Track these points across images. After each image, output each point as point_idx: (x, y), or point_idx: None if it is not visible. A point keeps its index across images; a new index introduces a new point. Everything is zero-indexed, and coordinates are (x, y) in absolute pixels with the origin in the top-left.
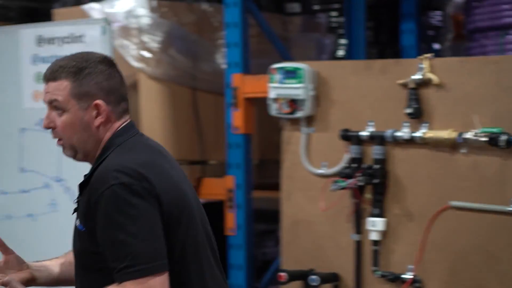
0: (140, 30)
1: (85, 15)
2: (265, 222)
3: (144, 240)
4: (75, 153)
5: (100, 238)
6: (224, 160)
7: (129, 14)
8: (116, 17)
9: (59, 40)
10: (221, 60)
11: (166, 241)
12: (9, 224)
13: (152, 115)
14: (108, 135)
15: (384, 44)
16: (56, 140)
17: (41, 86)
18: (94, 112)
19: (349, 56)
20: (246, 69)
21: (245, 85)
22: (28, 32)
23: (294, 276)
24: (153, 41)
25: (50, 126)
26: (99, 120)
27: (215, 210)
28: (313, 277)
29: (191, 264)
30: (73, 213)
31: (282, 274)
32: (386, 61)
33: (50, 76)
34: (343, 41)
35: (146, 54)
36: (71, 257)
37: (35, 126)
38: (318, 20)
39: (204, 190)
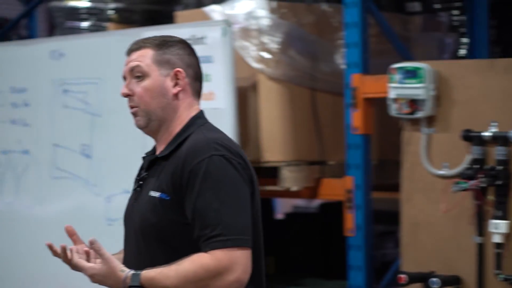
0: (260, 31)
1: (206, 17)
2: (384, 223)
3: (236, 212)
4: (149, 121)
5: (192, 204)
6: (343, 161)
7: (249, 15)
8: (236, 18)
9: None
10: (340, 60)
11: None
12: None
13: (272, 116)
14: (186, 112)
15: (507, 42)
16: (132, 108)
17: None
18: (174, 81)
19: (471, 55)
20: (366, 69)
21: (365, 85)
22: (151, 34)
23: (414, 278)
24: (273, 42)
25: (129, 94)
26: (176, 89)
27: (334, 210)
28: (434, 279)
29: (258, 252)
30: (136, 188)
31: (402, 276)
32: (510, 60)
33: (134, 47)
34: (465, 40)
35: (266, 55)
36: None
37: None
38: (439, 19)
39: (323, 190)
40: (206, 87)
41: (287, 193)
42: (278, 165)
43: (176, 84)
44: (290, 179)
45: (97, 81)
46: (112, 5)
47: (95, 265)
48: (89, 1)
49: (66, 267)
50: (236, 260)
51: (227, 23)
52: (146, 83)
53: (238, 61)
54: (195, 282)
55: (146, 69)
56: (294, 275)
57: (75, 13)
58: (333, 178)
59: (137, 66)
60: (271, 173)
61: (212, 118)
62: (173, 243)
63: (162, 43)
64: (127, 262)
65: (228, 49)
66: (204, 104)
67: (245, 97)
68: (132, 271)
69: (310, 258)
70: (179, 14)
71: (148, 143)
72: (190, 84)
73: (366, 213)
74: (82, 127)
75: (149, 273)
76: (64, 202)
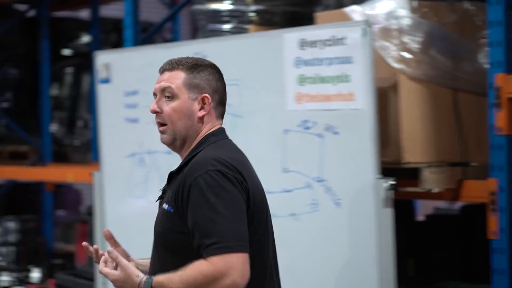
0: (401, 31)
1: (346, 18)
2: None
3: (232, 222)
4: (174, 139)
5: (191, 217)
6: (486, 162)
7: (390, 15)
8: (376, 19)
9: (321, 43)
10: (483, 59)
11: (254, 234)
12: (272, 222)
13: (412, 116)
14: (205, 131)
15: None
16: (161, 127)
17: (304, 89)
18: (200, 105)
19: None
20: (510, 69)
21: (509, 85)
22: (291, 36)
23: None
24: (414, 41)
25: (157, 111)
26: (202, 113)
27: (476, 213)
28: None
29: (260, 261)
30: (157, 200)
31: None
32: None
33: (167, 67)
34: None
35: (407, 55)
36: None
37: (298, 128)
38: None
39: (465, 192)
40: (346, 87)
41: (428, 195)
42: (418, 166)
43: (202, 108)
44: (431, 180)
45: (238, 83)
46: (253, 7)
47: (115, 272)
48: (231, 4)
49: None
50: (232, 265)
51: (367, 23)
52: (175, 104)
53: (378, 62)
54: (195, 287)
55: (176, 91)
56: (435, 278)
57: (217, 16)
58: (475, 179)
59: (168, 87)
60: (411, 174)
61: (351, 119)
62: (178, 250)
63: (194, 67)
64: (150, 267)
65: (368, 49)
66: (344, 105)
67: (385, 98)
68: (146, 277)
69: (451, 261)
70: (319, 15)
71: (288, 145)
72: (214, 108)
73: (510, 216)
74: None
75: (159, 278)
76: None
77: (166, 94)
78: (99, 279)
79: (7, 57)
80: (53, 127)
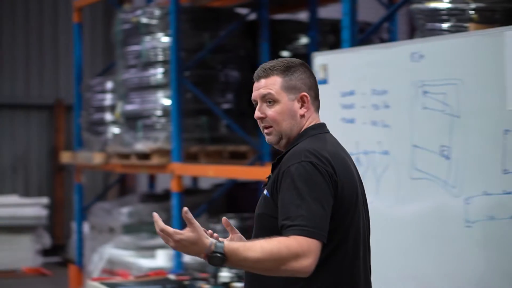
0: None
1: None
2: None
3: (315, 211)
4: (280, 139)
5: (280, 200)
6: None
7: None
8: None
9: None
10: None
11: (340, 224)
12: (491, 225)
13: None
14: (305, 125)
15: None
16: (266, 129)
17: None
18: (300, 103)
19: None
20: None
21: None
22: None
23: None
24: None
25: (262, 117)
26: (303, 110)
27: None
28: None
29: (358, 255)
30: (263, 187)
31: None
32: None
33: (263, 74)
34: None
35: None
36: None
37: None
38: None
39: None
40: None
41: None
42: None
43: (302, 106)
44: None
45: (457, 82)
46: (473, 5)
47: (182, 231)
48: (450, 2)
49: (425, 269)
50: (312, 249)
51: None
52: (277, 107)
53: None
54: (275, 259)
55: (277, 96)
56: None
57: (436, 15)
58: None
59: (269, 93)
60: None
61: None
62: (270, 231)
63: (287, 69)
64: None
65: None
66: None
67: None
68: (216, 240)
69: None
70: None
71: (508, 146)
72: (312, 103)
73: None
74: (441, 128)
75: (233, 244)
76: (422, 203)
77: (267, 99)
78: None
79: (229, 59)
80: None
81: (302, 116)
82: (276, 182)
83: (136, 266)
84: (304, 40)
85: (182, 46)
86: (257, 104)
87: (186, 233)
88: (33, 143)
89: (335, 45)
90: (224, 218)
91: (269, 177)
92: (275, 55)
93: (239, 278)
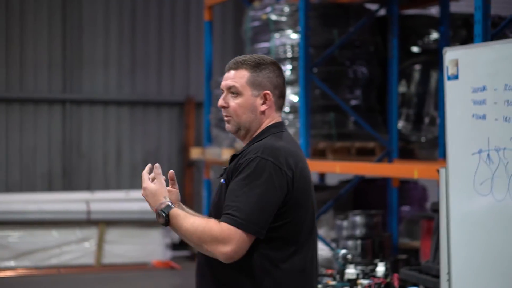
0: None
1: None
2: None
3: (254, 205)
4: (238, 129)
5: (230, 187)
6: None
7: None
8: None
9: None
10: None
11: (293, 219)
12: None
13: None
14: (266, 122)
15: None
16: (226, 116)
17: None
18: (262, 100)
19: None
20: None
21: None
22: None
23: None
24: None
25: (224, 106)
26: (264, 107)
27: None
28: None
29: (309, 248)
30: (218, 177)
31: None
32: None
33: (233, 66)
34: None
35: None
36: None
37: None
38: None
39: None
40: None
41: None
42: None
43: (264, 103)
44: None
45: None
46: None
47: (151, 182)
48: None
49: None
50: (233, 238)
51: None
52: (240, 100)
53: None
54: (198, 237)
55: (241, 89)
56: None
57: None
58: None
59: (234, 86)
60: None
61: None
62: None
63: (257, 66)
64: None
65: None
66: None
67: None
68: (170, 202)
69: None
70: None
71: None
72: (275, 102)
73: None
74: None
75: (177, 211)
76: None
77: (232, 91)
78: (443, 276)
79: (357, 56)
80: (400, 124)
81: (263, 112)
82: (233, 171)
83: None
84: (435, 35)
85: (311, 42)
86: (223, 93)
87: (151, 184)
88: (164, 139)
89: (466, 40)
90: (170, 171)
91: (226, 168)
92: (405, 50)
93: (365, 275)
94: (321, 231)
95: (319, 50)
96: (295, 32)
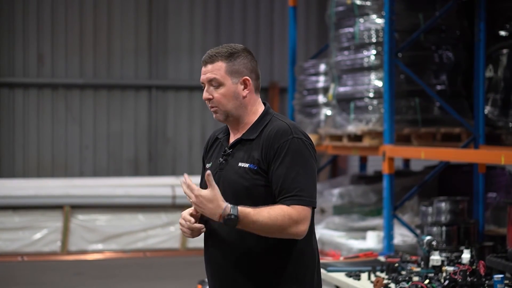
0: None
1: None
2: None
3: (308, 181)
4: (226, 117)
5: (279, 171)
6: None
7: None
8: None
9: None
10: None
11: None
12: None
13: None
14: (253, 105)
15: None
16: (212, 108)
17: None
18: (242, 86)
19: None
20: None
21: None
22: None
23: None
24: None
25: (209, 98)
26: (245, 92)
27: None
28: None
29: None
30: (222, 161)
31: None
32: None
33: (209, 60)
34: None
35: None
36: None
37: None
38: None
39: None
40: None
41: None
42: None
43: (245, 88)
44: None
45: None
46: None
47: (203, 190)
48: None
49: None
50: (307, 216)
51: None
52: (222, 90)
53: None
54: (279, 225)
55: (222, 80)
56: None
57: None
58: None
59: (214, 78)
60: None
61: None
62: (257, 199)
63: (231, 55)
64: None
65: None
66: None
67: None
68: (230, 204)
69: None
70: None
71: None
72: (254, 85)
73: None
74: None
75: (245, 209)
76: None
77: (213, 84)
78: None
79: (443, 40)
80: (487, 109)
81: (245, 97)
82: (267, 155)
83: (347, 246)
84: None
85: (396, 27)
86: (205, 86)
87: (205, 191)
88: None
89: None
90: (207, 172)
91: (229, 153)
92: (492, 34)
93: (450, 262)
94: (406, 217)
95: (404, 34)
96: (380, 16)
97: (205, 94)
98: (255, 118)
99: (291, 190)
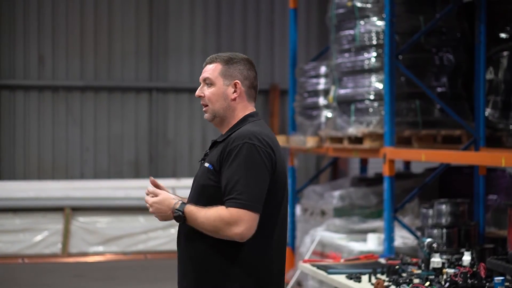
0: None
1: None
2: None
3: (252, 186)
4: (214, 117)
5: (225, 174)
6: None
7: None
8: None
9: None
10: None
11: (273, 198)
12: None
13: None
14: (240, 110)
15: None
16: (204, 106)
17: None
18: (233, 89)
19: None
20: None
21: None
22: None
23: None
24: None
25: (200, 95)
26: (234, 95)
27: None
28: None
29: (283, 225)
30: (200, 161)
31: None
32: None
33: (209, 61)
34: None
35: None
36: None
37: None
38: None
39: None
40: None
41: None
42: None
43: (234, 91)
44: None
45: None
46: None
47: (154, 197)
48: None
49: None
50: (243, 219)
51: None
52: (213, 89)
53: None
54: (213, 225)
55: (214, 80)
56: None
57: None
58: None
59: (208, 77)
60: None
61: None
62: (212, 198)
63: (229, 60)
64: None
65: None
66: None
67: None
68: (181, 201)
69: None
70: None
71: None
72: (245, 91)
73: None
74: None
75: (191, 207)
76: None
77: (207, 82)
78: None
79: (443, 42)
80: (488, 111)
81: (234, 100)
82: (221, 157)
83: (347, 249)
84: None
85: (396, 29)
86: (201, 85)
87: (155, 198)
88: None
89: None
90: (151, 177)
91: (206, 153)
92: (492, 36)
93: (450, 264)
94: (406, 219)
95: (405, 37)
96: (380, 19)
97: (198, 91)
98: (235, 122)
99: (232, 193)
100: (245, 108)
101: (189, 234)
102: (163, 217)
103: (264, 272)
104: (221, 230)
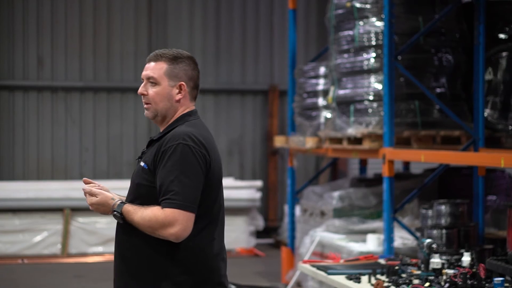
0: None
1: None
2: None
3: (187, 186)
4: (155, 115)
5: (160, 175)
6: None
7: None
8: None
9: None
10: None
11: (207, 197)
12: None
13: None
14: (181, 110)
15: None
16: (146, 104)
17: None
18: (177, 90)
19: None
20: None
21: None
22: None
23: None
24: None
25: (143, 93)
26: (179, 96)
27: None
28: None
29: (218, 223)
30: (136, 159)
31: None
32: None
33: (153, 58)
34: None
35: None
36: None
37: None
38: None
39: None
40: None
41: None
42: None
43: (179, 93)
44: None
45: None
46: None
47: (93, 197)
48: None
49: None
50: (178, 219)
51: None
52: (157, 89)
53: None
54: (149, 226)
55: (159, 80)
56: None
57: None
58: None
59: (152, 77)
60: None
61: None
62: (147, 199)
63: (174, 59)
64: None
65: None
66: None
67: None
68: (120, 201)
69: None
70: None
71: None
72: (189, 92)
73: None
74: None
75: (129, 207)
76: None
77: (151, 81)
78: None
79: (442, 43)
80: (487, 112)
81: (178, 101)
82: (156, 157)
83: (347, 249)
84: None
85: (395, 30)
86: (143, 82)
87: (94, 198)
88: (247, 127)
89: None
90: (84, 178)
91: (143, 151)
92: (491, 37)
93: (450, 265)
94: (406, 220)
95: (404, 37)
96: (379, 19)
97: (141, 89)
98: (172, 121)
99: (166, 193)
100: (186, 107)
101: (125, 231)
102: (104, 213)
103: (201, 270)
104: (157, 230)
